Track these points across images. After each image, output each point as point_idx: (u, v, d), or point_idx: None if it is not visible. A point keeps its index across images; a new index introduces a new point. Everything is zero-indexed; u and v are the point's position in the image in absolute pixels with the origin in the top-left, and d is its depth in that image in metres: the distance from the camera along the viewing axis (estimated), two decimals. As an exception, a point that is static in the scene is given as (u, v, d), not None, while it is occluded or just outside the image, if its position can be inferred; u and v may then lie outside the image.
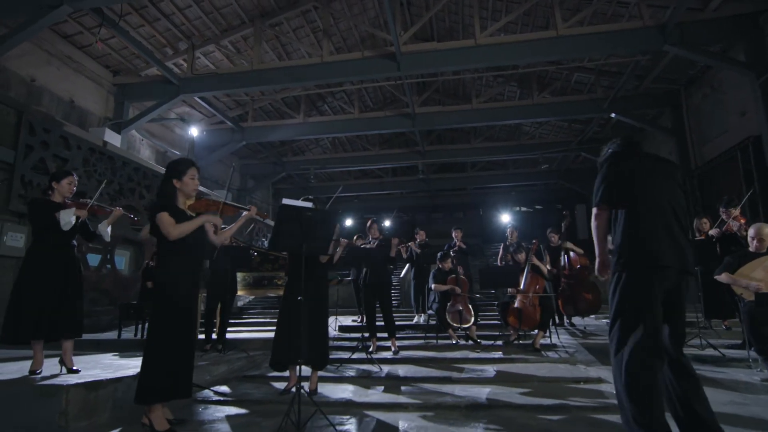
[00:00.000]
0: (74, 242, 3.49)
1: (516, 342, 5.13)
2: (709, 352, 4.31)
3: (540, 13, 9.97)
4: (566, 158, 15.82)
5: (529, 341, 5.06)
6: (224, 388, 3.52)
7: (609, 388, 3.30)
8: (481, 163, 17.98)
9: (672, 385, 2.10)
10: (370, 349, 4.94)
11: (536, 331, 4.90)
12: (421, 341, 5.57)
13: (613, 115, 11.29)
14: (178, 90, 9.78)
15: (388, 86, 12.75)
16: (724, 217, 4.85)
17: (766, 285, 3.48)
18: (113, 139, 9.40)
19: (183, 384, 2.58)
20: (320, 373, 3.60)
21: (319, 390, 3.39)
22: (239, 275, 6.05)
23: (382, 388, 3.55)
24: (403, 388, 3.55)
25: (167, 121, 11.72)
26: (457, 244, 7.08)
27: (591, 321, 6.91)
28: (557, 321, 6.35)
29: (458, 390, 3.37)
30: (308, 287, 3.20)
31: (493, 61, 9.14)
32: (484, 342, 5.25)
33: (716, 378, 3.49)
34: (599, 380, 3.48)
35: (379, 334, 5.05)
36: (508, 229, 6.82)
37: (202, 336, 5.02)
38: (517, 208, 23.35)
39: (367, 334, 5.05)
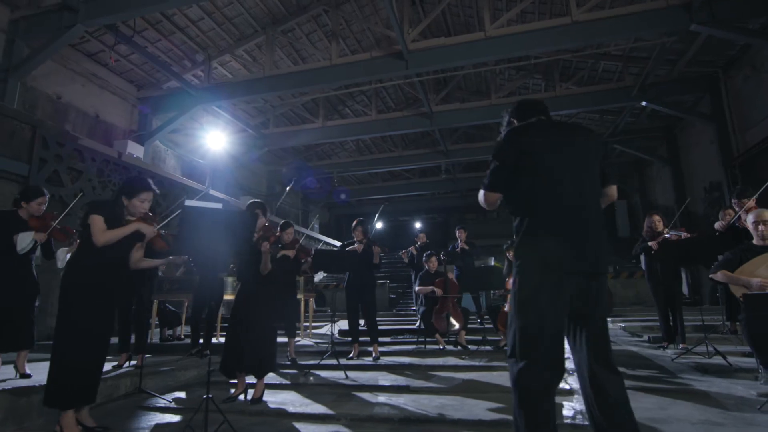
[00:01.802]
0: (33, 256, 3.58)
1: (506, 348, 4.81)
2: (717, 360, 3.84)
3: (553, 0, 9.48)
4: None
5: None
6: (180, 394, 3.53)
7: (575, 402, 2.99)
8: (510, 160, 17.37)
9: (590, 406, 1.82)
10: (350, 355, 4.81)
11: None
12: (414, 346, 5.37)
13: (643, 103, 10.54)
14: (195, 101, 10.12)
15: (404, 85, 12.58)
16: (736, 208, 4.33)
17: (772, 285, 3.03)
18: (136, 150, 9.87)
19: (89, 391, 2.56)
20: (281, 379, 3.52)
21: (267, 398, 3.30)
22: (230, 279, 6.10)
23: (332, 397, 3.40)
24: (352, 397, 3.39)
25: (191, 130, 12.14)
26: (460, 245, 6.81)
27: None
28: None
29: (407, 400, 3.18)
30: (256, 292, 3.13)
31: (504, 53, 8.80)
32: (473, 348, 4.97)
33: (708, 391, 3.07)
34: (569, 392, 3.16)
35: (381, 339, 4.91)
36: (458, 230, 6.57)
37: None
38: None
39: (368, 339, 4.91)
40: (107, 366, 4.02)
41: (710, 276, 3.38)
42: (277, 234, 3.51)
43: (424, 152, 15.41)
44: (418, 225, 23.84)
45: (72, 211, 4.03)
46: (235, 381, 3.37)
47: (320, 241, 17.39)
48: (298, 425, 2.73)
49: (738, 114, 9.54)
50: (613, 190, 2.10)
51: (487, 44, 8.65)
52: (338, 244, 17.74)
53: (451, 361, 4.45)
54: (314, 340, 6.38)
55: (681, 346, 4.51)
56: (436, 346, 5.09)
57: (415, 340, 5.63)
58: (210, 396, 2.52)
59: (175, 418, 2.96)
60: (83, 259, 2.66)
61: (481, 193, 2.01)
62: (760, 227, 3.25)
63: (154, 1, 7.36)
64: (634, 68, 10.72)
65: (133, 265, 2.91)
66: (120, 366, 3.94)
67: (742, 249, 3.30)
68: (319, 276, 13.74)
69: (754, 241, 3.31)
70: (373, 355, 4.76)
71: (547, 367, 1.76)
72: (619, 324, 6.31)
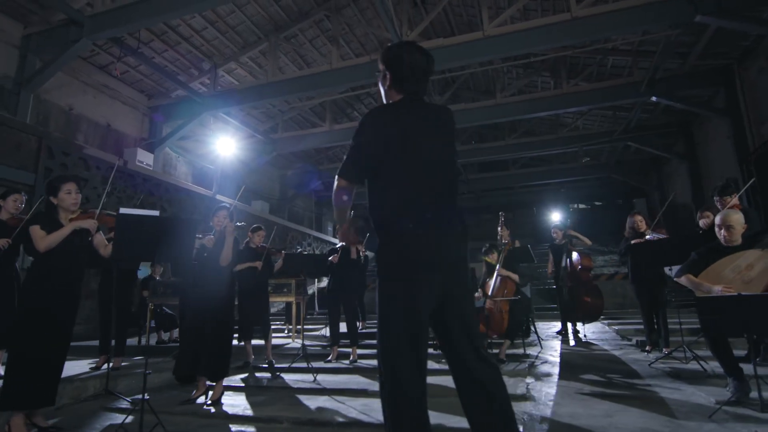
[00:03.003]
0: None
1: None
2: (694, 365, 3.68)
3: (552, -4, 9.31)
4: (614, 150, 14.56)
5: (515, 350, 4.66)
6: (146, 396, 3.61)
7: (529, 407, 2.93)
8: (523, 160, 17.11)
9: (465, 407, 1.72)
10: (329, 358, 4.84)
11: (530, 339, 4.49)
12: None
13: (654, 98, 10.20)
14: (202, 108, 10.38)
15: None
16: (719, 206, 4.12)
17: (735, 289, 2.87)
18: (146, 158, 10.19)
19: (46, 393, 2.66)
20: (246, 383, 3.57)
21: (227, 400, 3.36)
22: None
23: (290, 400, 3.43)
24: (306, 400, 3.42)
25: (201, 137, 12.44)
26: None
27: (603, 327, 6.26)
28: (564, 330, 5.82)
29: (358, 405, 3.17)
30: (208, 296, 3.19)
31: (503, 52, 8.71)
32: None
33: (668, 398, 2.94)
34: (523, 398, 3.08)
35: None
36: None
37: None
38: (575, 205, 21.89)
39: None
40: (85, 367, 4.18)
41: (675, 279, 3.23)
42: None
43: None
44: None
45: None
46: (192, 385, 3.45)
47: (335, 245, 17.43)
48: (240, 428, 2.77)
49: (753, 107, 9.12)
50: None
51: (486, 44, 8.57)
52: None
53: (429, 364, 4.40)
54: (307, 342, 6.42)
55: (665, 350, 4.35)
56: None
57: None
58: (147, 398, 2.59)
59: (130, 418, 3.06)
60: (35, 269, 2.77)
61: (335, 182, 1.87)
62: (723, 233, 3.07)
63: (155, 12, 7.58)
64: (644, 63, 10.40)
65: (103, 254, 3.01)
66: (98, 368, 4.08)
67: (709, 249, 3.14)
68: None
69: (721, 240, 3.13)
70: (351, 358, 4.77)
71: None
72: (614, 327, 6.12)
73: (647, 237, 4.50)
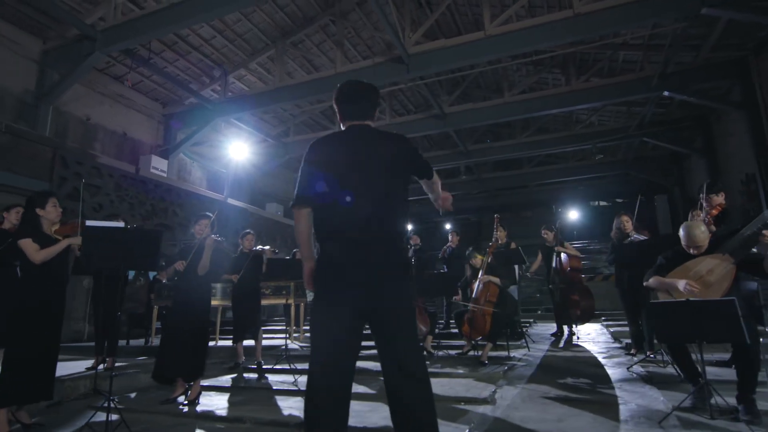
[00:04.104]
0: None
1: (470, 353, 4.76)
2: (671, 369, 3.61)
3: (554, -7, 9.18)
4: (630, 146, 14.19)
5: (502, 352, 4.67)
6: (132, 395, 3.83)
7: (487, 410, 2.96)
8: (538, 158, 16.86)
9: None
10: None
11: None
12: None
13: (666, 93, 9.93)
14: (213, 115, 10.71)
15: (423, 86, 12.56)
16: (706, 206, 4.00)
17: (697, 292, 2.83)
18: (160, 164, 10.57)
19: (34, 390, 2.86)
20: (229, 383, 3.72)
21: (205, 400, 3.52)
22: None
23: (264, 401, 3.55)
24: (281, 401, 3.52)
25: (215, 142, 12.79)
26: (450, 246, 6.77)
27: (601, 329, 6.17)
28: (560, 332, 5.78)
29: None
30: (187, 302, 3.35)
31: (505, 51, 8.70)
32: (437, 353, 4.97)
33: (627, 402, 2.91)
34: (484, 401, 3.10)
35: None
36: (450, 234, 6.45)
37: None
38: (595, 203, 21.40)
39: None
40: (80, 367, 4.42)
41: (644, 284, 3.19)
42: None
43: (445, 153, 15.30)
44: (448, 226, 23.67)
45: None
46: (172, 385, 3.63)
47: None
48: (207, 426, 2.91)
49: (771, 100, 8.78)
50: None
51: (488, 43, 8.54)
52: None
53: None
54: (303, 344, 6.58)
55: (649, 353, 4.27)
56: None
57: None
58: (112, 398, 2.76)
59: (114, 416, 3.24)
60: (31, 278, 2.96)
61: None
62: (692, 251, 3.00)
63: (164, 24, 7.86)
64: (657, 57, 10.12)
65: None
66: (93, 367, 4.32)
67: (675, 252, 3.09)
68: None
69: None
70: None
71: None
72: (612, 329, 6.02)
73: (630, 238, 4.43)
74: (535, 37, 8.17)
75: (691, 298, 2.75)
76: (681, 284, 2.84)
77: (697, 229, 2.95)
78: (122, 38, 8.17)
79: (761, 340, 2.64)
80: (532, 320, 7.21)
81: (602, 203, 21.18)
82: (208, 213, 3.86)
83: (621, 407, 2.83)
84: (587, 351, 4.69)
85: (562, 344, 5.32)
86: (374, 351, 1.80)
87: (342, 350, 1.78)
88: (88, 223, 3.03)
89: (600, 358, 4.31)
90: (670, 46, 8.66)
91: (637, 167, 15.33)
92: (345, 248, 1.80)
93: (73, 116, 9.46)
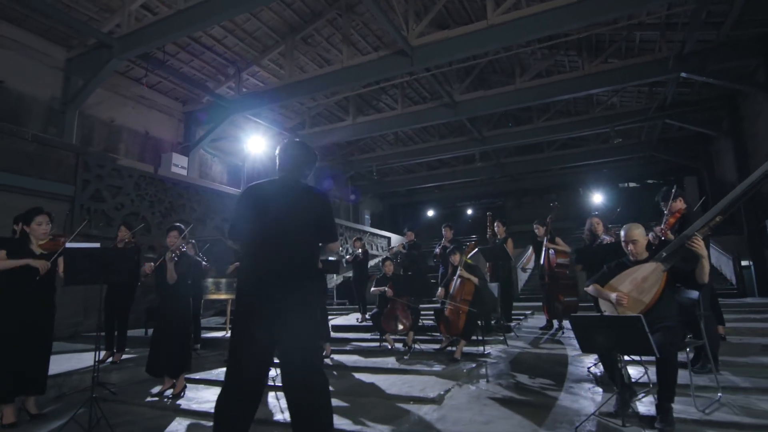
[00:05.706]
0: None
1: (447, 349, 4.94)
2: (631, 370, 3.68)
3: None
4: (654, 128, 13.65)
5: (478, 348, 4.84)
6: (130, 387, 4.26)
7: (427, 410, 3.16)
8: (559, 141, 16.47)
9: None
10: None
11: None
12: (378, 344, 5.65)
13: (683, 74, 9.53)
14: (228, 112, 11.13)
15: (438, 75, 12.51)
16: (665, 211, 3.95)
17: (629, 300, 2.90)
18: (181, 161, 11.13)
19: (25, 385, 3.27)
20: (213, 377, 4.09)
21: (192, 394, 3.88)
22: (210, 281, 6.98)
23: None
24: (266, 395, 3.83)
25: (234, 138, 13.26)
26: (444, 244, 6.89)
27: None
28: (548, 325, 5.86)
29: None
30: (167, 306, 3.73)
31: (509, 40, 8.56)
32: (417, 348, 5.17)
33: (559, 405, 3.01)
34: (432, 401, 3.28)
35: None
36: (444, 228, 6.50)
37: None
38: (624, 184, 20.70)
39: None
40: (89, 361, 4.91)
41: (585, 289, 3.28)
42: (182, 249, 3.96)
43: (461, 140, 15.23)
44: (470, 211, 23.60)
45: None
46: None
47: (375, 235, 17.68)
48: (184, 420, 3.27)
49: (796, 79, 8.30)
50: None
51: (491, 33, 8.44)
52: (393, 236, 18.18)
53: (389, 362, 4.69)
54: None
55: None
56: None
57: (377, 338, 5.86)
58: (95, 396, 3.15)
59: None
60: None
61: None
62: (630, 247, 3.07)
63: (176, 28, 8.19)
64: (676, 36, 9.68)
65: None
66: (102, 361, 4.79)
67: (618, 263, 3.15)
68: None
69: (629, 256, 3.13)
70: (324, 353, 5.19)
71: None
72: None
73: (598, 240, 4.44)
74: (540, 24, 8.01)
75: (607, 313, 2.84)
76: (612, 296, 2.95)
77: (635, 228, 3.07)
78: (138, 44, 8.58)
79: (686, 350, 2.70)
80: (529, 312, 7.26)
81: (632, 184, 20.50)
82: (179, 224, 4.15)
83: (553, 410, 2.95)
84: (564, 348, 4.77)
85: (545, 339, 5.40)
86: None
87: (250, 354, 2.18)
88: (68, 244, 3.38)
89: (572, 356, 4.40)
90: (690, 23, 8.26)
91: (663, 149, 14.76)
92: (255, 289, 2.18)
93: (97, 119, 10.08)
